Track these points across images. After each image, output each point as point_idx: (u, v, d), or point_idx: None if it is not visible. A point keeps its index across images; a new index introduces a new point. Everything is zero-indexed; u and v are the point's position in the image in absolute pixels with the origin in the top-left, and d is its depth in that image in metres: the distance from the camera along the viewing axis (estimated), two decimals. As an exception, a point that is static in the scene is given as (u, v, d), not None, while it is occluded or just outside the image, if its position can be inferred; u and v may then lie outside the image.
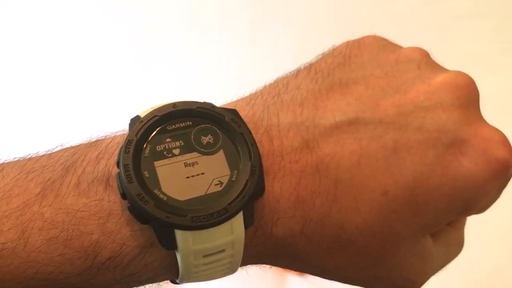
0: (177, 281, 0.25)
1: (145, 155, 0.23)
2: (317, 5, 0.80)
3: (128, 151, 0.22)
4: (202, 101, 0.25)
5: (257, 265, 0.26)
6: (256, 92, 0.28)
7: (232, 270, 0.25)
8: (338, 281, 0.27)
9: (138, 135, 0.23)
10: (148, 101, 0.25)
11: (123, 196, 0.22)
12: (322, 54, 0.29)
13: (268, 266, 0.27)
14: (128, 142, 0.23)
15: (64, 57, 0.78)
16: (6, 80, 0.77)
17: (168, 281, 0.25)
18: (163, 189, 0.22)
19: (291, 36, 0.77)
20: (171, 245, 0.22)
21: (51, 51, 0.79)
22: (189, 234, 0.22)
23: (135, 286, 0.24)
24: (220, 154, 0.24)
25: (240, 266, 0.25)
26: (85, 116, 0.71)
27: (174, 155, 0.23)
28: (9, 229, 0.22)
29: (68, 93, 0.75)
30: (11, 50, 0.79)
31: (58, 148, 0.25)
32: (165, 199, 0.22)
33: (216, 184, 0.23)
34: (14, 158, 0.25)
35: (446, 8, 0.78)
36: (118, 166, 0.23)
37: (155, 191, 0.22)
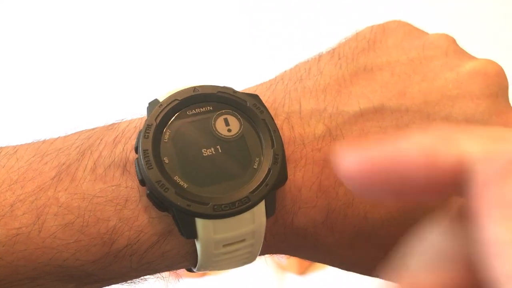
0: (194, 270, 0.24)
1: (165, 140, 0.22)
2: (319, 4, 0.79)
3: (148, 136, 0.22)
4: (222, 85, 0.24)
5: (275, 254, 0.26)
6: (276, 77, 0.27)
7: (250, 260, 0.24)
8: (355, 272, 0.27)
9: (158, 120, 0.22)
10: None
11: (142, 182, 0.21)
12: (345, 38, 0.28)
13: (285, 256, 0.26)
14: (147, 126, 0.22)
15: (77, 41, 0.77)
16: (19, 66, 0.76)
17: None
18: (184, 176, 0.21)
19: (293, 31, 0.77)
20: (191, 234, 0.21)
21: (72, 36, 0.78)
22: (210, 223, 0.21)
23: (151, 274, 0.24)
24: (242, 141, 0.23)
25: (259, 255, 0.24)
26: (97, 100, 0.70)
27: (194, 141, 0.22)
28: (24, 214, 0.21)
29: (80, 77, 0.74)
30: (30, 41, 0.78)
31: (73, 131, 0.25)
32: (185, 186, 0.21)
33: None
34: (27, 140, 0.24)
35: (446, 9, 0.77)
36: (136, 152, 0.22)
37: (175, 177, 0.21)
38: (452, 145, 0.12)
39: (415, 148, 0.12)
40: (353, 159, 0.13)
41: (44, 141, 0.24)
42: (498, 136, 0.12)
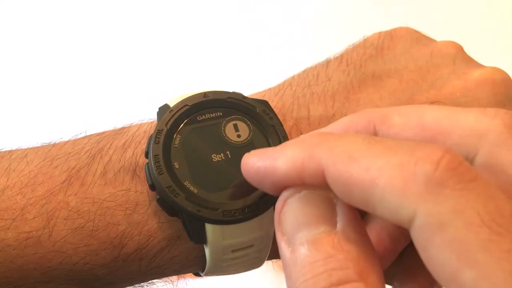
0: (201, 274, 0.24)
1: (175, 145, 0.22)
2: (322, 5, 0.79)
3: (158, 141, 0.22)
4: (231, 91, 0.24)
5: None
6: (284, 83, 0.27)
7: (258, 265, 0.24)
8: None
9: (168, 125, 0.22)
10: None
11: (152, 187, 0.21)
12: (353, 44, 0.28)
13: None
14: (158, 132, 0.22)
15: (86, 45, 0.77)
16: (29, 69, 0.75)
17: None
18: (194, 181, 0.21)
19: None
20: (201, 239, 0.21)
21: (81, 39, 0.77)
22: (219, 228, 0.21)
23: (159, 278, 0.24)
24: (251, 147, 0.23)
25: (267, 259, 0.24)
26: (105, 104, 0.70)
27: (204, 146, 0.22)
28: (34, 218, 0.22)
29: (88, 80, 0.74)
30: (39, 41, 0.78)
31: (82, 135, 0.25)
32: (195, 192, 0.21)
33: None
34: (37, 143, 0.25)
35: (446, 8, 0.77)
36: (146, 157, 0.22)
37: (185, 183, 0.21)
38: (314, 160, 0.16)
39: (288, 164, 0.17)
40: (250, 164, 0.18)
41: (54, 145, 0.24)
42: (350, 154, 0.16)
